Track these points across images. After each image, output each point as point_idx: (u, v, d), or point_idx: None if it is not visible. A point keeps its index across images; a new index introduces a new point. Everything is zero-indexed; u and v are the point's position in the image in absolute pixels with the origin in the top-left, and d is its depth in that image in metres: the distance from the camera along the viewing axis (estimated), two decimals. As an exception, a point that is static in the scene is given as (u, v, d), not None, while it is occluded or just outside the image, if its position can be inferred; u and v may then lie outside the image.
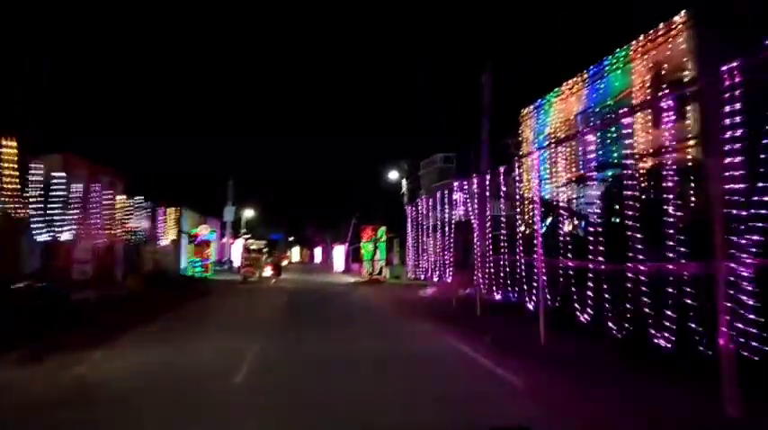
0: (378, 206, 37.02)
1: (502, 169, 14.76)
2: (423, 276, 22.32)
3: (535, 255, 11.19)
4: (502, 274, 14.46)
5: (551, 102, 27.66)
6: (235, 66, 75.39)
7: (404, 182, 37.47)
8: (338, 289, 25.88)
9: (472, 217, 15.87)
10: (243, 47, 73.72)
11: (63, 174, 17.54)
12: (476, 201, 15.34)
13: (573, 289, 10.72)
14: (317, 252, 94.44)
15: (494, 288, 14.95)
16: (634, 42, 20.53)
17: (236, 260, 49.60)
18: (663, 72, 19.31)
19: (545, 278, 11.03)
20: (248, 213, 69.87)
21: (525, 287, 12.90)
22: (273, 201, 73.94)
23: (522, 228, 14.91)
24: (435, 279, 19.96)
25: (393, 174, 36.82)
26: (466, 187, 16.39)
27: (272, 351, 10.28)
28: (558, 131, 26.31)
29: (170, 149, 44.98)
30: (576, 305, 10.54)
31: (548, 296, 11.03)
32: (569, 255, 11.22)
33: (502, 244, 14.81)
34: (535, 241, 11.23)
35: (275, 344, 10.89)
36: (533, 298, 12.05)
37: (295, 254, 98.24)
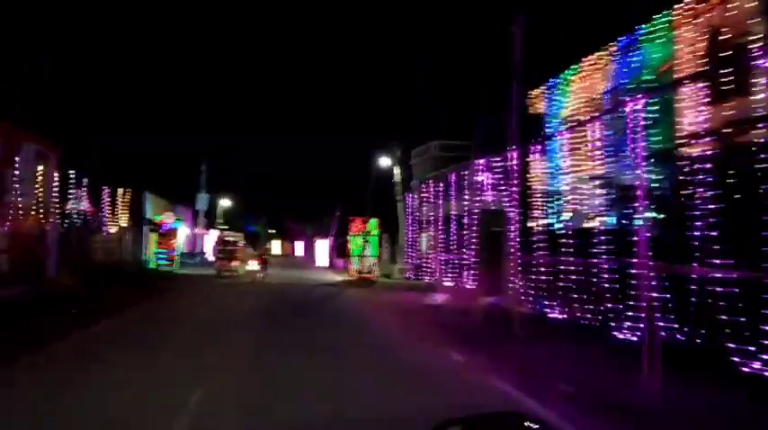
0: (366, 196, 32.92)
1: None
2: (428, 278, 18.53)
3: (632, 259, 7.36)
4: (555, 282, 10.61)
5: (568, 80, 23.92)
6: (215, 53, 70.51)
7: (396, 170, 33.44)
8: (324, 290, 21.78)
9: (506, 204, 12.06)
10: (225, 34, 68.85)
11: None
12: (514, 182, 11.51)
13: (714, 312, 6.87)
14: (299, 246, 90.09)
15: (540, 299, 11.12)
16: (679, 6, 16.84)
17: (210, 252, 45.15)
18: (721, 38, 15.66)
19: (654, 294, 7.19)
20: (225, 203, 65.22)
21: (602, 302, 9.05)
22: (252, 190, 69.39)
23: (568, 220, 11.08)
24: (448, 282, 16.14)
25: (384, 161, 32.74)
26: (497, 165, 12.60)
27: (226, 401, 6.27)
28: (578, 113, 22.53)
29: (143, 132, 40.45)
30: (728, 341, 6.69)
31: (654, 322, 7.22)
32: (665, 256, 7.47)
33: (539, 240, 11.01)
34: (597, 238, 7.40)
35: (230, 390, 6.85)
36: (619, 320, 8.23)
37: (275, 247, 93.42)
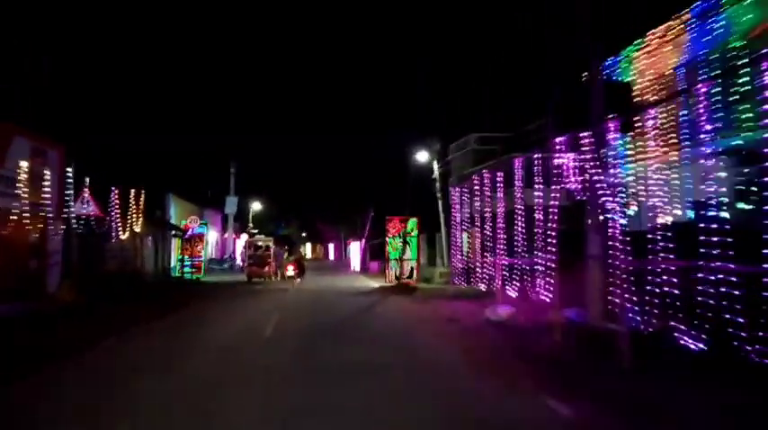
0: (404, 194, 30.16)
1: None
2: (482, 285, 15.81)
3: None
4: (686, 295, 7.75)
5: (631, 57, 20.81)
6: (246, 58, 68.93)
7: (435, 165, 30.65)
8: (362, 301, 19.16)
9: (603, 192, 9.25)
10: (255, 32, 67.13)
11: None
12: (612, 164, 8.69)
13: None
14: (331, 248, 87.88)
15: (657, 318, 8.27)
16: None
17: (240, 258, 43.28)
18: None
19: None
20: (256, 206, 63.49)
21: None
22: (283, 192, 67.40)
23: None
24: (513, 291, 13.37)
25: (421, 156, 29.96)
26: (585, 144, 9.81)
27: None
28: (646, 93, 19.44)
29: (168, 132, 38.80)
30: None
31: None
32: None
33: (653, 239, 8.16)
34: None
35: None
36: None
37: (307, 250, 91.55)
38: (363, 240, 49.07)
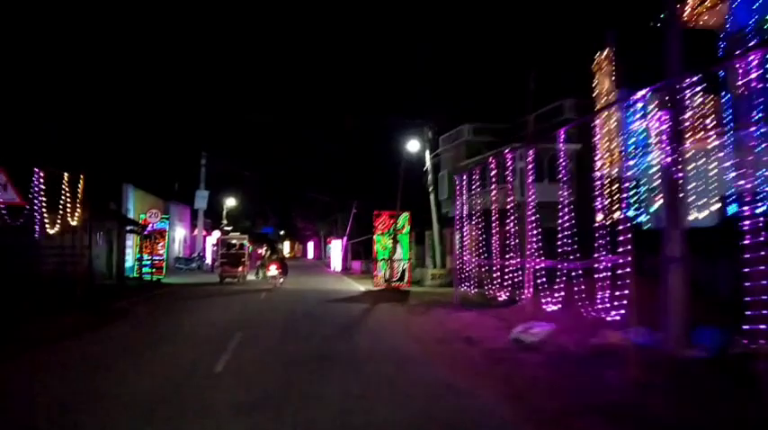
0: (390, 189, 26.97)
1: None
2: (502, 294, 12.79)
3: None
4: None
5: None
6: (222, 37, 64.84)
7: (427, 155, 27.57)
8: (348, 310, 15.99)
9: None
10: (228, 14, 62.90)
11: None
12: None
13: None
14: (309, 247, 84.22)
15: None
16: None
17: (213, 258, 39.72)
18: None
19: None
20: (230, 203, 59.79)
21: None
22: (259, 187, 63.68)
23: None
24: (552, 304, 10.36)
25: (413, 145, 26.83)
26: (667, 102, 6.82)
27: None
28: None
29: (135, 124, 35.12)
30: None
31: None
32: None
33: None
34: None
35: None
36: None
37: (285, 249, 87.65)
38: (345, 238, 45.86)
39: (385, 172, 43.75)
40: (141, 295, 20.05)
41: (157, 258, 26.83)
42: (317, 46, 66.46)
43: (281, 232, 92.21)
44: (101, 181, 24.56)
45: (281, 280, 23.12)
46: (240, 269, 27.70)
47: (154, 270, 26.50)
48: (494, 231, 13.46)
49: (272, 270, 23.32)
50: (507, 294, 13.00)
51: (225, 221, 59.10)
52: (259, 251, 42.10)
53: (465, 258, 14.96)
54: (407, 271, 21.93)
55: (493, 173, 14.10)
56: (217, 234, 46.11)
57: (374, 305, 16.69)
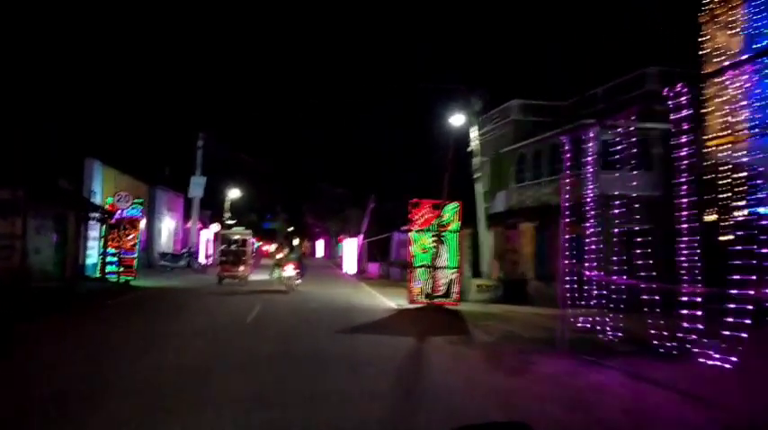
0: (443, 164, 20.33)
1: None
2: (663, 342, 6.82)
3: None
4: None
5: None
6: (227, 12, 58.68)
7: (472, 133, 21.42)
8: (379, 347, 9.90)
9: None
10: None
11: None
12: None
13: None
14: (318, 246, 77.96)
15: None
16: None
17: (207, 254, 33.81)
18: None
19: None
20: (233, 194, 54.03)
21: None
22: (268, 178, 57.71)
23: None
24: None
25: (457, 119, 20.64)
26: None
27: None
28: None
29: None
30: None
31: None
32: None
33: None
34: None
35: None
36: None
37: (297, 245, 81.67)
38: (361, 236, 39.77)
39: (411, 160, 37.64)
40: (81, 307, 14.23)
41: (128, 254, 20.93)
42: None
43: (291, 228, 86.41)
44: (47, 147, 18.82)
45: (299, 281, 20.65)
46: (242, 268, 23.76)
47: (121, 269, 20.62)
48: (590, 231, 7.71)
49: (289, 270, 20.19)
50: (669, 339, 7.14)
51: (228, 214, 53.39)
52: (265, 248, 36.84)
53: (587, 272, 8.91)
54: (455, 283, 15.86)
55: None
56: (216, 227, 40.37)
57: (421, 341, 10.55)
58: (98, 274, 20.72)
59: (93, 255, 21.93)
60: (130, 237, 21.12)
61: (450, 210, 16.39)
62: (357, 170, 43.68)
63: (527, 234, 22.24)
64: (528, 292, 19.42)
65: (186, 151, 35.81)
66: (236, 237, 25.72)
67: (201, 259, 34.60)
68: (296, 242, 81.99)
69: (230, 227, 38.49)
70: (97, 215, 20.45)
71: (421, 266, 15.92)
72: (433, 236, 16.09)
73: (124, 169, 26.46)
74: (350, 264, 39.04)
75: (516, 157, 25.21)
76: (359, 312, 14.71)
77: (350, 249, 39.82)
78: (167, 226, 33.80)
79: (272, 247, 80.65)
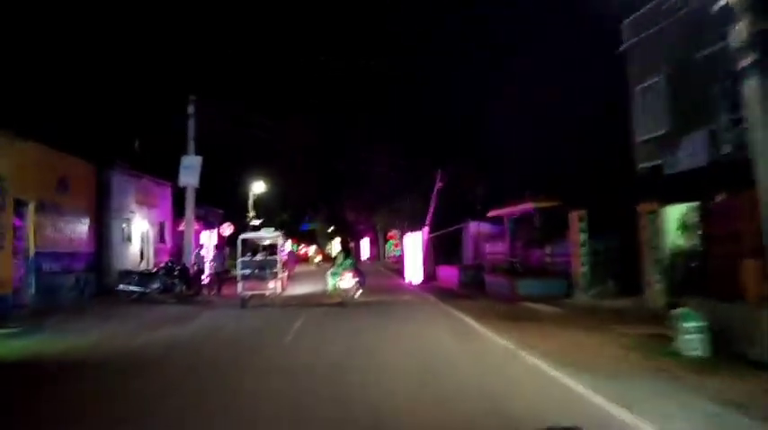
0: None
1: None
2: None
3: None
4: None
5: None
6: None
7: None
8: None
9: None
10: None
11: None
12: None
13: None
14: (363, 245, 66.37)
15: None
16: None
17: (195, 267, 22.16)
18: None
19: None
20: (258, 188, 43.52)
21: None
22: (300, 165, 46.52)
23: None
24: None
25: None
26: None
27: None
28: None
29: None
30: None
31: None
32: None
33: None
34: None
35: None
36: None
37: (335, 249, 68.71)
38: (426, 229, 28.04)
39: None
40: None
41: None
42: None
43: (331, 228, 75.47)
44: None
45: (360, 291, 17.23)
46: (271, 283, 17.61)
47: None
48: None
49: (348, 279, 17.09)
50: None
51: (252, 213, 42.58)
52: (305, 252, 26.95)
53: None
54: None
55: None
56: (229, 230, 29.49)
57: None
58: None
59: None
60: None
61: None
62: (409, 140, 32.13)
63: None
64: None
65: (177, 122, 24.46)
66: (268, 241, 20.35)
67: (205, 276, 23.12)
68: (335, 244, 70.50)
69: (256, 228, 29.19)
70: None
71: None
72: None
73: (54, 141, 15.76)
74: (413, 268, 27.45)
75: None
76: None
77: (413, 248, 28.15)
78: (140, 228, 22.86)
79: (310, 250, 70.03)
